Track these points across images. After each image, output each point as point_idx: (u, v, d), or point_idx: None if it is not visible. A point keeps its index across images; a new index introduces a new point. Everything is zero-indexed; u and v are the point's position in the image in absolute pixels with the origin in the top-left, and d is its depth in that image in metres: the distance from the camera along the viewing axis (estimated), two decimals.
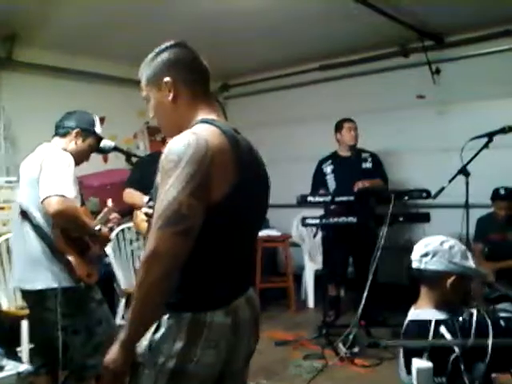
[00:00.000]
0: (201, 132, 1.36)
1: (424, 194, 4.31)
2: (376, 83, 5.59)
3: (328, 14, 4.58)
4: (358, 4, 4.12)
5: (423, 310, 1.99)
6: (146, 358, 1.36)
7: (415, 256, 2.05)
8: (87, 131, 2.72)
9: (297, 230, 5.62)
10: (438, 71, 5.24)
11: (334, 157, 4.95)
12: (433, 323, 1.44)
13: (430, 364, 1.33)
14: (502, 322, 1.37)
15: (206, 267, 1.40)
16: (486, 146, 3.58)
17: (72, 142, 2.68)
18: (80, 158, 2.70)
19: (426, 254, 2.01)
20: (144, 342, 1.37)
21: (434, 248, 1.98)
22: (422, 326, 1.44)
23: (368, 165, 4.87)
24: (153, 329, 1.37)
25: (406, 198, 4.35)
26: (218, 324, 1.39)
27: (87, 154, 2.78)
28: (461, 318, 1.40)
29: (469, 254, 2.03)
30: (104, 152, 2.94)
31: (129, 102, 5.24)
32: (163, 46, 1.56)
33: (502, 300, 3.10)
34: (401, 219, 4.41)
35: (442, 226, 3.49)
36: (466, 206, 3.58)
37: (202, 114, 1.50)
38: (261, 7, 4.41)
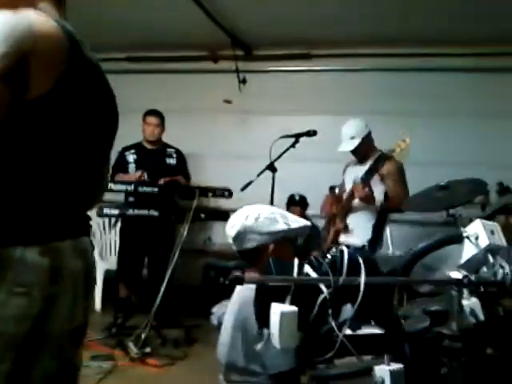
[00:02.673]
0: (27, 14, 1.11)
1: (226, 193, 4.37)
2: (184, 83, 5.54)
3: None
4: None
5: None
6: None
7: (230, 240, 1.99)
8: None
9: None
10: (244, 81, 5.41)
11: (138, 147, 4.76)
12: (296, 263, 1.31)
13: (294, 308, 1.20)
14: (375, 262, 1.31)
15: (19, 187, 1.11)
16: (292, 145, 3.74)
17: None
18: None
19: (237, 236, 1.95)
20: None
21: (241, 226, 1.93)
22: (283, 266, 1.32)
23: (172, 161, 4.81)
24: None
25: (210, 194, 4.35)
26: (29, 263, 1.09)
27: None
28: (329, 256, 1.30)
29: (278, 215, 2.00)
30: None
31: None
32: None
33: None
34: (202, 216, 4.39)
35: None
36: (271, 203, 3.66)
37: (42, 4, 1.24)
38: None
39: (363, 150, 3.88)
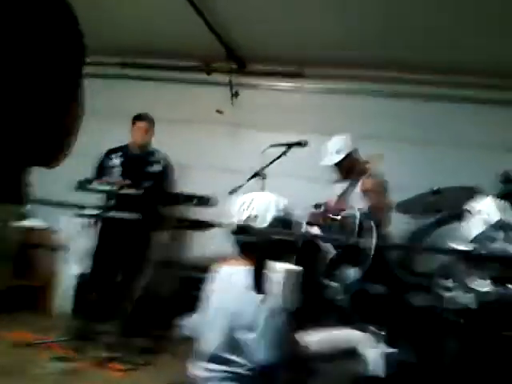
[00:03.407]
0: None
1: (212, 201, 4.29)
2: (177, 92, 5.50)
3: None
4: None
5: (241, 267, 1.85)
6: None
7: (262, 224, 1.92)
8: None
9: (64, 228, 4.99)
10: (236, 94, 5.38)
11: (124, 150, 4.68)
12: (304, 224, 1.24)
13: (299, 267, 1.13)
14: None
15: None
16: (283, 154, 3.71)
17: None
18: None
19: (271, 224, 1.88)
20: None
21: (274, 216, 1.86)
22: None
23: (158, 167, 4.71)
24: None
25: (195, 201, 4.25)
26: None
27: None
28: (339, 217, 1.23)
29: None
30: None
31: None
32: None
33: None
34: (185, 224, 4.31)
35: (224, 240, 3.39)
36: None
37: None
38: None
39: (347, 165, 3.87)
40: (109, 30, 4.90)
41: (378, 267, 1.10)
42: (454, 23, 3.99)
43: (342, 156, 3.85)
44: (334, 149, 3.91)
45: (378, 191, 3.67)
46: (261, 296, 1.76)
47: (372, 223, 1.13)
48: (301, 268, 1.13)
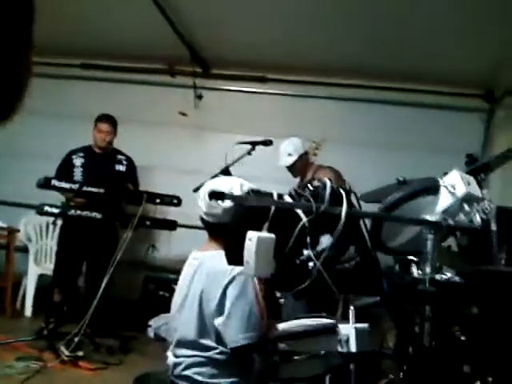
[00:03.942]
0: None
1: (175, 201, 4.30)
2: (140, 94, 5.47)
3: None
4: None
5: (214, 251, 1.86)
6: None
7: (208, 209, 1.95)
8: None
9: (24, 229, 4.88)
10: (200, 97, 5.40)
11: (87, 150, 4.62)
12: (275, 193, 1.27)
13: (271, 234, 1.15)
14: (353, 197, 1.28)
15: None
16: (249, 153, 3.74)
17: None
18: None
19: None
20: None
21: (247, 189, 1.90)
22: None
23: (122, 167, 4.68)
24: None
25: (158, 200, 4.25)
26: None
27: None
28: (310, 187, 1.26)
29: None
30: None
31: None
32: None
33: None
34: (148, 223, 4.29)
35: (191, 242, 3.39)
36: None
37: None
38: None
39: (300, 167, 4.14)
40: (70, 31, 4.84)
41: (350, 235, 1.14)
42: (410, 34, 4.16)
43: (293, 159, 4.11)
44: (286, 152, 4.16)
45: (333, 181, 3.82)
46: (230, 277, 1.79)
47: (342, 191, 1.17)
48: (273, 235, 1.16)
